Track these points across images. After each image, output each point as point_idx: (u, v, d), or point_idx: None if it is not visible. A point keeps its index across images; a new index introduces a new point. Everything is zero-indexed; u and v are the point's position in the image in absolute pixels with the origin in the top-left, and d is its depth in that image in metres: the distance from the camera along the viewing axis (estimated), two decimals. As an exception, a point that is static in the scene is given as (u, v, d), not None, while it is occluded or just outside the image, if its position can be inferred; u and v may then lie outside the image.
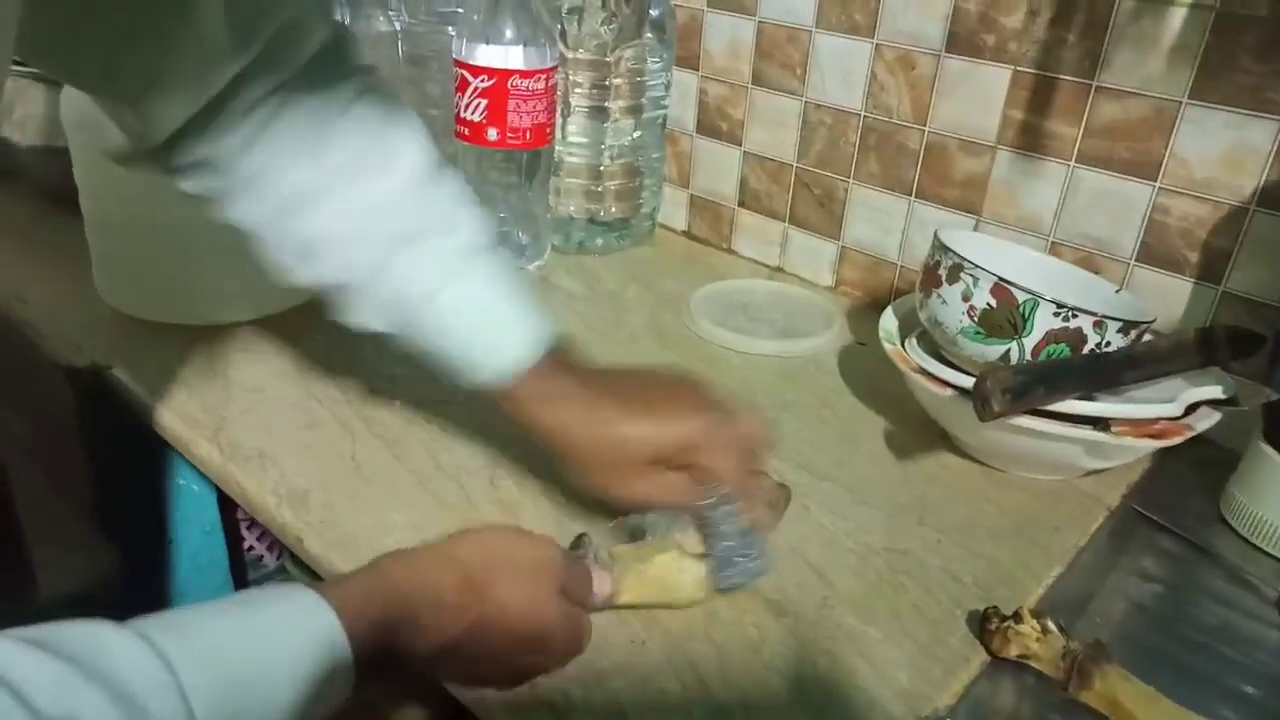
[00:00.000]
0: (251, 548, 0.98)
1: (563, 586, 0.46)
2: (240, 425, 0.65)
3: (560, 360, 0.54)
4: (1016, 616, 0.49)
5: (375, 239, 0.52)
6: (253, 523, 0.92)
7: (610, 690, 0.47)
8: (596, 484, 0.52)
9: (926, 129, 0.81)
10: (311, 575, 0.84)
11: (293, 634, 0.37)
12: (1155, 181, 0.70)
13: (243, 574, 0.85)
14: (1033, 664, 0.49)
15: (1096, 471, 0.65)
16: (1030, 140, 0.75)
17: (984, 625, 0.50)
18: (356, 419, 0.66)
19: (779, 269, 0.96)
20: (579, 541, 0.51)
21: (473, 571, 0.43)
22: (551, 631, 0.45)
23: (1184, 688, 0.47)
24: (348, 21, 0.93)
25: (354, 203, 0.52)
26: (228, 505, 0.77)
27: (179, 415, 0.65)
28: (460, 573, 0.43)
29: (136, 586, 0.76)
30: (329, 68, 0.52)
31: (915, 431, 0.69)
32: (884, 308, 0.72)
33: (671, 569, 0.51)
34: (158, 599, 0.76)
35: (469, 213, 0.54)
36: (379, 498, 0.59)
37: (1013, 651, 0.49)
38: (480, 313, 0.53)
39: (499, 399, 0.53)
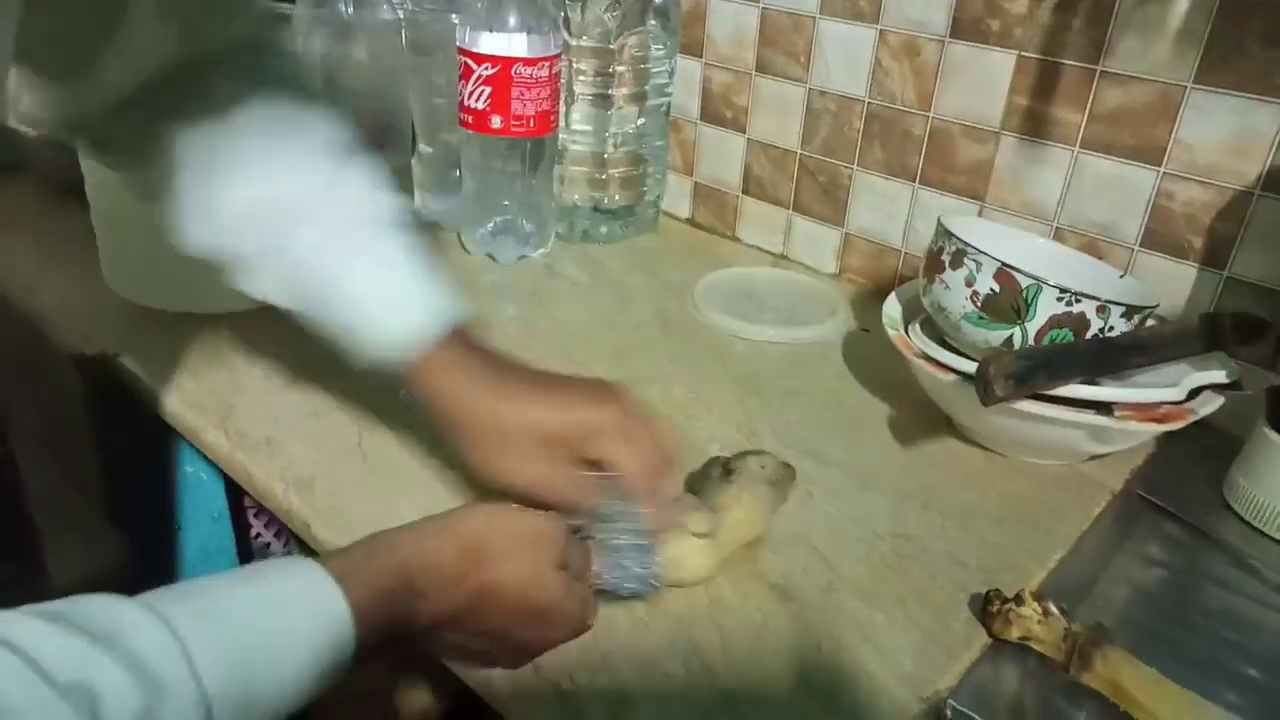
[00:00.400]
0: (259, 535, 0.98)
1: (564, 561, 0.46)
2: (248, 413, 0.65)
3: (468, 341, 0.52)
4: (1018, 599, 0.50)
5: (279, 208, 0.52)
6: (259, 510, 0.93)
7: (615, 673, 0.47)
8: (483, 459, 0.50)
9: (931, 115, 0.81)
10: (319, 562, 0.84)
11: (298, 607, 0.37)
12: (1160, 167, 0.70)
13: (250, 561, 0.86)
14: (1034, 646, 0.49)
15: (1100, 456, 0.65)
16: (1035, 126, 0.75)
17: (986, 608, 0.51)
18: (363, 408, 0.67)
19: (783, 256, 0.96)
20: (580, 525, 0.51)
21: (472, 540, 0.43)
22: (555, 603, 0.45)
23: (1187, 671, 0.47)
24: (351, 10, 0.93)
25: (259, 172, 0.52)
26: (235, 493, 0.77)
27: (187, 403, 0.66)
28: (460, 541, 0.43)
29: (145, 574, 0.76)
30: (251, 53, 0.54)
31: (919, 418, 0.69)
32: (888, 295, 0.72)
33: (674, 548, 0.51)
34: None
35: (376, 190, 0.54)
36: (386, 485, 0.59)
37: (1014, 634, 0.49)
38: (380, 286, 0.52)
39: (403, 376, 0.52)
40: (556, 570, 0.45)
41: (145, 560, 0.77)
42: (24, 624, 0.31)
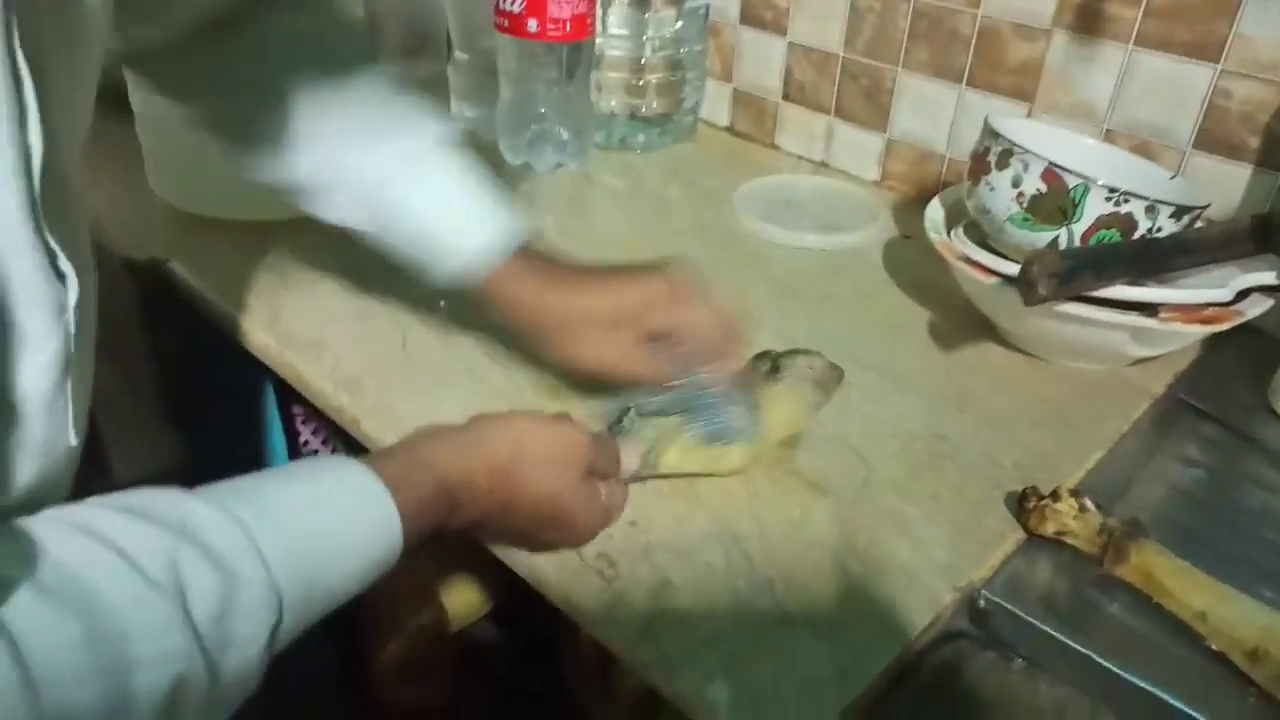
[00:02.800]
0: (306, 442, 1.01)
1: (591, 467, 0.48)
2: (295, 316, 0.67)
3: (529, 249, 0.55)
4: (1054, 495, 0.50)
5: (344, 136, 0.54)
6: (307, 417, 0.95)
7: (656, 562, 0.49)
8: (564, 354, 0.54)
9: (979, 13, 0.78)
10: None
11: (356, 511, 0.39)
12: (1218, 63, 0.68)
13: (301, 465, 0.88)
14: (1069, 541, 0.50)
15: (1143, 360, 0.65)
16: (1087, 22, 0.73)
17: (1022, 504, 0.51)
18: (406, 311, 0.68)
19: (823, 164, 0.95)
20: (620, 416, 0.52)
21: (502, 458, 0.45)
22: (572, 513, 0.47)
23: (1223, 567, 0.48)
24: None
25: (324, 102, 0.54)
26: (284, 402, 0.79)
27: (236, 306, 0.67)
28: (490, 460, 0.45)
29: (202, 475, 0.79)
30: None
31: (959, 323, 0.69)
32: (930, 201, 0.71)
33: (670, 451, 0.52)
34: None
35: (433, 115, 0.56)
36: (430, 384, 0.61)
37: (1049, 529, 0.50)
38: (447, 205, 0.55)
39: (473, 290, 0.55)
40: (582, 481, 0.47)
41: (201, 461, 0.80)
42: (107, 518, 0.33)
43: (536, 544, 0.49)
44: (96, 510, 0.33)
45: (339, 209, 0.56)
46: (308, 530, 0.37)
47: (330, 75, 0.54)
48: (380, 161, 0.54)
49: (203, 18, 0.53)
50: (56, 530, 0.32)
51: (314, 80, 0.54)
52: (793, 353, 0.56)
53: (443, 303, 0.68)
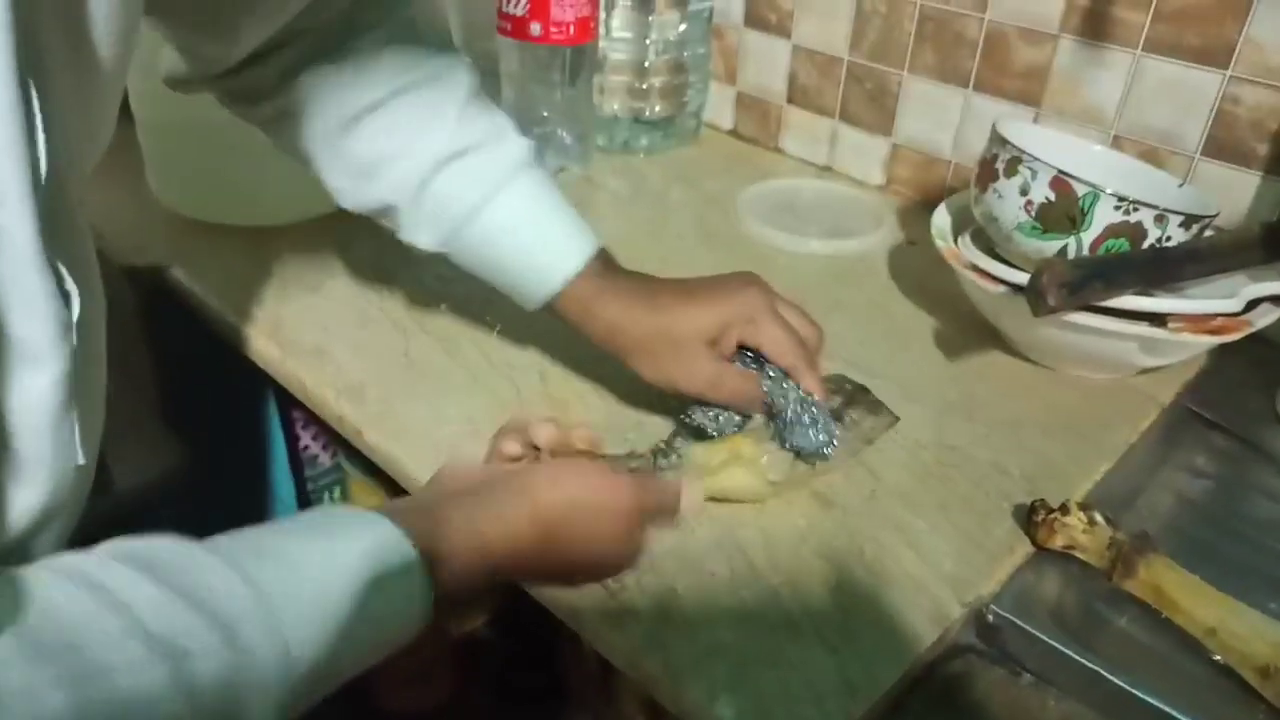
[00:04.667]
0: (306, 447, 1.01)
1: (644, 516, 0.46)
2: (297, 323, 0.66)
3: (608, 264, 0.55)
4: (1063, 508, 0.50)
5: (422, 157, 0.53)
6: (307, 422, 0.95)
7: (662, 573, 0.48)
8: (660, 374, 0.53)
9: (986, 16, 0.78)
10: (366, 472, 0.86)
11: (391, 597, 0.37)
12: (1227, 69, 0.67)
13: (300, 469, 0.88)
14: (1078, 555, 0.50)
15: (1151, 370, 0.64)
16: (1095, 27, 0.72)
17: (1030, 517, 0.51)
18: (408, 318, 0.67)
19: (827, 168, 0.94)
20: (672, 440, 0.52)
21: (551, 525, 0.43)
22: (617, 564, 0.47)
23: (1232, 579, 0.47)
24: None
25: (402, 122, 0.53)
26: (284, 407, 0.79)
27: (238, 313, 0.67)
28: (540, 527, 0.43)
29: (202, 478, 0.79)
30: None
31: (966, 331, 0.69)
32: (935, 207, 0.71)
33: (737, 471, 0.51)
34: (222, 492, 0.79)
35: (510, 132, 0.56)
36: (433, 392, 0.60)
37: (1058, 542, 0.50)
38: (529, 225, 0.54)
39: (555, 306, 0.55)
40: (629, 538, 0.46)
41: (202, 466, 0.79)
42: (112, 572, 0.31)
43: (569, 585, 0.48)
44: (103, 561, 0.31)
45: (413, 232, 0.56)
46: (337, 612, 0.35)
47: (406, 91, 0.53)
48: (453, 182, 0.53)
49: (275, 31, 0.52)
50: (55, 579, 0.30)
51: (396, 98, 0.53)
52: (865, 412, 0.56)
53: (443, 305, 0.68)
